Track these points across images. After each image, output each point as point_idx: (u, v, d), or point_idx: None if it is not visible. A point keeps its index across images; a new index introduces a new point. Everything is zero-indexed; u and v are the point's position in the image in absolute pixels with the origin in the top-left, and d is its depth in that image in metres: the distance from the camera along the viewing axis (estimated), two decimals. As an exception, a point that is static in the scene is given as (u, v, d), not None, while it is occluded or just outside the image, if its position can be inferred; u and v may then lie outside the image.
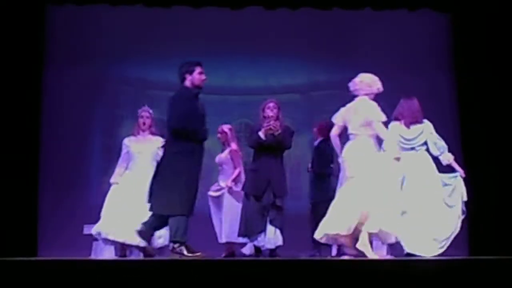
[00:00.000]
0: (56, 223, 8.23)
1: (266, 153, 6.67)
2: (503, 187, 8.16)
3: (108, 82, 9.30)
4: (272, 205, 6.57)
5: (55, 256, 6.67)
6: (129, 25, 9.06)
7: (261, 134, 6.62)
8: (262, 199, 6.56)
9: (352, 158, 5.76)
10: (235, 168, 7.44)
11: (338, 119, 5.99)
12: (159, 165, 5.91)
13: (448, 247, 6.24)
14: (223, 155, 7.53)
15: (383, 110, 5.88)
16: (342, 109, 5.99)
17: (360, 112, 5.83)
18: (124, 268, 4.67)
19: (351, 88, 5.99)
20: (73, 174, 8.83)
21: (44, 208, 8.32)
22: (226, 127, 7.65)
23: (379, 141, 5.84)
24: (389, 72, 9.04)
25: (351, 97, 5.99)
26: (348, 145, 5.87)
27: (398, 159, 5.74)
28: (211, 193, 7.38)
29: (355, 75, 6.01)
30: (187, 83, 5.97)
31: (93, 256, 7.06)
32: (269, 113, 6.72)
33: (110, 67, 9.30)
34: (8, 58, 8.10)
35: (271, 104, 6.80)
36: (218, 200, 7.36)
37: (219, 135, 7.67)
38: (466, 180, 6.51)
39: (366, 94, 5.92)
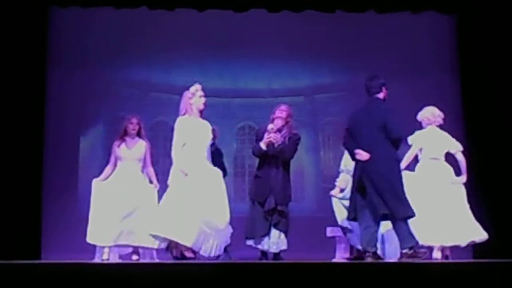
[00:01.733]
0: (59, 226, 8.23)
1: (269, 161, 6.72)
2: (509, 191, 8.13)
3: (112, 85, 9.31)
4: (274, 210, 6.60)
5: (58, 259, 6.66)
6: (133, 27, 9.06)
7: (262, 145, 6.66)
8: (265, 205, 6.60)
9: (439, 179, 6.62)
10: None
11: (417, 141, 6.72)
12: (384, 171, 5.82)
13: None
14: None
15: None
16: (419, 133, 6.77)
17: (439, 141, 6.73)
18: (128, 271, 4.66)
19: (427, 120, 6.82)
20: (77, 177, 8.83)
21: (48, 211, 8.30)
22: None
23: None
24: (393, 75, 9.04)
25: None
26: (431, 166, 6.66)
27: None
28: None
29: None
30: (381, 95, 6.07)
31: (96, 260, 7.05)
32: (278, 114, 6.74)
33: (114, 70, 9.31)
34: (12, 60, 8.09)
35: (282, 107, 6.82)
36: None
37: None
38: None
39: (436, 125, 6.80)
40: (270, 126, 6.72)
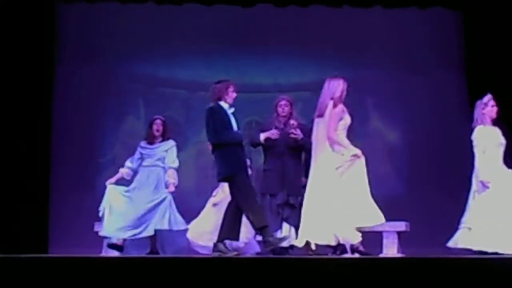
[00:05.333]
0: (67, 220, 8.27)
1: (277, 153, 6.71)
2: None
3: (118, 80, 9.30)
4: (286, 204, 6.58)
5: (65, 253, 6.69)
6: (139, 22, 9.07)
7: (261, 137, 6.69)
8: (277, 197, 6.58)
9: None
10: None
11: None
12: None
13: None
14: None
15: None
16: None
17: None
18: (135, 265, 4.68)
19: None
20: (84, 172, 8.85)
21: (55, 205, 8.35)
22: None
23: None
24: (399, 71, 9.05)
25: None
26: None
27: None
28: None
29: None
30: None
31: (103, 254, 7.08)
32: (281, 112, 6.75)
33: (121, 65, 9.30)
34: (19, 56, 8.13)
35: (282, 102, 6.81)
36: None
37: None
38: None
39: None
40: (291, 121, 6.69)
